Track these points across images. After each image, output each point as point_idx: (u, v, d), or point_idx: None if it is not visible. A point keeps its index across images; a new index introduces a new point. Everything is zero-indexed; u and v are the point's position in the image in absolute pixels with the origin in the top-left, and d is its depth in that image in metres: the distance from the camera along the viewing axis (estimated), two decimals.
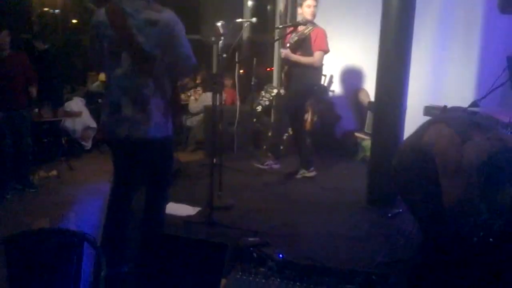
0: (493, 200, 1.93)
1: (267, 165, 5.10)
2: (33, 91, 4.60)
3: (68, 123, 5.97)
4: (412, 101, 4.26)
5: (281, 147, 5.47)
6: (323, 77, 5.39)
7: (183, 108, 6.58)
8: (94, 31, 2.58)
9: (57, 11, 8.74)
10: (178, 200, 3.82)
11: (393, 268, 2.69)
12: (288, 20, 6.24)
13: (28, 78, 4.52)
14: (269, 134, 5.72)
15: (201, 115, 6.68)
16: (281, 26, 5.78)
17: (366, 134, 5.96)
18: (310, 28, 4.64)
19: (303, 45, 4.64)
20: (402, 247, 3.10)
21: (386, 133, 4.05)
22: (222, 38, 3.79)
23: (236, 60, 5.36)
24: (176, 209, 3.73)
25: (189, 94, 7.02)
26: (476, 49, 5.36)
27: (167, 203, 2.92)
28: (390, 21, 3.90)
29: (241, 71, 6.69)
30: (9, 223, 3.71)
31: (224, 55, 3.94)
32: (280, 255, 2.87)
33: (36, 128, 5.19)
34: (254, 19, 4.59)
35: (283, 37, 5.06)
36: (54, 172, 5.14)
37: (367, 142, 5.79)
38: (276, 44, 6.37)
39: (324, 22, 4.88)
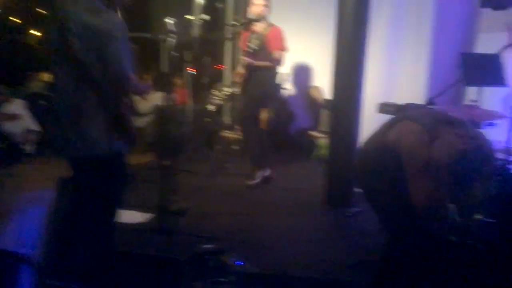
0: (463, 199, 1.87)
1: (258, 178, 4.70)
2: None
3: (7, 126, 5.58)
4: (366, 99, 4.23)
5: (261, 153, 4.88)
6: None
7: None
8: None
9: None
10: (127, 207, 3.56)
11: (360, 270, 2.60)
12: (239, 18, 6.10)
13: None
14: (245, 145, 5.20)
15: (151, 115, 6.43)
16: (233, 23, 5.61)
17: (321, 132, 5.92)
18: (267, 27, 4.50)
19: (262, 46, 4.49)
20: (365, 248, 3.02)
21: (343, 131, 4.00)
22: (172, 36, 3.59)
23: (187, 58, 5.17)
24: (125, 216, 3.48)
25: None
26: (427, 47, 5.41)
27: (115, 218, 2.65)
28: (346, 20, 3.85)
29: (192, 70, 6.47)
30: None
31: (174, 53, 3.74)
32: (239, 263, 2.72)
33: None
34: (205, 16, 4.41)
35: (236, 36, 4.90)
36: None
37: (322, 140, 5.74)
38: (228, 42, 6.22)
39: (278, 19, 4.77)
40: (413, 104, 3.94)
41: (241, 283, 2.21)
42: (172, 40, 3.62)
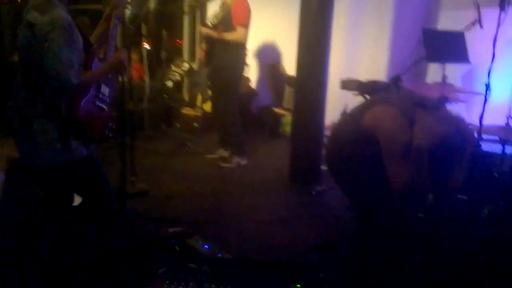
0: (442, 182, 1.82)
1: (236, 163, 4.49)
2: None
3: None
4: (329, 75, 4.16)
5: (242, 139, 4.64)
6: None
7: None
8: None
9: None
10: None
11: (330, 251, 2.55)
12: None
13: None
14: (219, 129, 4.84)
15: None
16: None
17: (285, 109, 5.84)
18: None
19: (226, 18, 4.27)
20: (333, 227, 2.97)
21: (308, 109, 3.92)
22: (127, 8, 3.36)
23: (143, 32, 4.91)
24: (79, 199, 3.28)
25: None
26: (388, 23, 5.40)
27: None
28: None
29: (148, 44, 6.19)
30: None
31: (129, 26, 3.51)
32: (206, 246, 2.61)
33: None
34: None
35: (196, 8, 4.67)
36: None
37: (286, 117, 5.67)
38: (186, 15, 5.98)
39: None
40: (373, 80, 3.90)
41: (209, 269, 2.10)
42: (126, 13, 3.39)
